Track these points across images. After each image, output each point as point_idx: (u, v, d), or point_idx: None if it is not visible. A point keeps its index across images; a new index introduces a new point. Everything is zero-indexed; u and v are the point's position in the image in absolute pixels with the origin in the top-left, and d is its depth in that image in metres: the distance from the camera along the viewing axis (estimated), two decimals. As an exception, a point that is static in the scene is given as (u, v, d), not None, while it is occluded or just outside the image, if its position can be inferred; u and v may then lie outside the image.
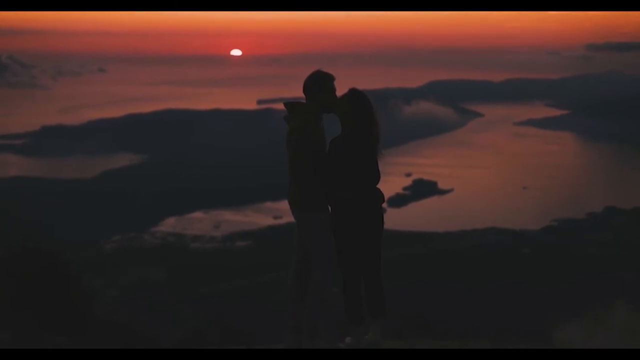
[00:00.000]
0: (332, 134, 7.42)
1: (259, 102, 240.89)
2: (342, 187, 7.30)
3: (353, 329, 7.61)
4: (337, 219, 7.38)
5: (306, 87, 7.46)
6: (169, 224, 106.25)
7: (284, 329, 7.69)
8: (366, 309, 7.56)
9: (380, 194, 7.45)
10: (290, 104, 7.46)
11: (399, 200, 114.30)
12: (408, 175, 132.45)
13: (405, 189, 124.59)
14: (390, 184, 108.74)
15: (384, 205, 7.55)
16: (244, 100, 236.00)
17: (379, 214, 7.49)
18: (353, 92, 7.50)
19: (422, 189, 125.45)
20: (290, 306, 7.66)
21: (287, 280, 7.79)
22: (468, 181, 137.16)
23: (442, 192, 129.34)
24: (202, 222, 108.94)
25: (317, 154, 7.26)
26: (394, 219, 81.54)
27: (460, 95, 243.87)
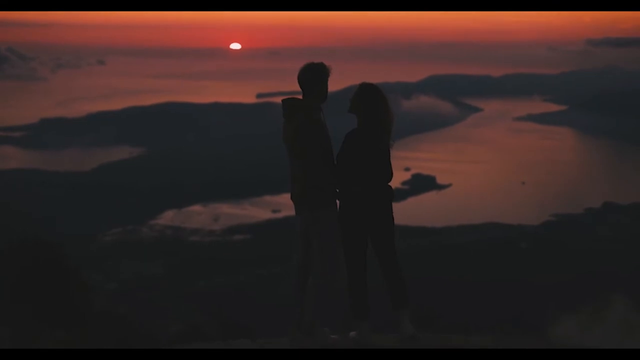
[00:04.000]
0: (332, 131, 7.41)
1: (258, 95, 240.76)
2: (352, 181, 7.32)
3: (357, 324, 7.64)
4: (345, 213, 7.41)
5: (305, 81, 7.41)
6: (168, 217, 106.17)
7: (283, 324, 7.69)
8: (389, 302, 7.62)
9: (389, 191, 7.49)
10: (290, 101, 7.43)
11: (397, 195, 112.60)
12: (407, 169, 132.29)
13: (403, 183, 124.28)
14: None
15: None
16: (243, 94, 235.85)
17: (388, 210, 7.53)
18: (362, 87, 7.51)
19: (421, 184, 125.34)
20: (295, 303, 7.64)
21: (292, 277, 7.78)
22: (467, 176, 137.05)
23: (441, 186, 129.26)
24: (200, 216, 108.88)
25: (324, 148, 7.25)
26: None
27: (459, 90, 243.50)
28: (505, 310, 46.56)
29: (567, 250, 70.42)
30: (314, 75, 7.37)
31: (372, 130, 7.38)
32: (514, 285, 57.58)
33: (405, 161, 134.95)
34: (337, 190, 7.44)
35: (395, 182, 7.70)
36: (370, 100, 7.44)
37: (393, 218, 7.63)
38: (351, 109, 7.50)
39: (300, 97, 7.46)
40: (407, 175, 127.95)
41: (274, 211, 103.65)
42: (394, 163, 7.76)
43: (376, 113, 7.43)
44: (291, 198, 7.59)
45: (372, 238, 7.55)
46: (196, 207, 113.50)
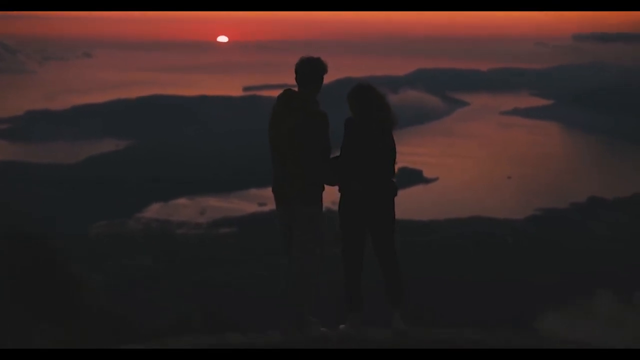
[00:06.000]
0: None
1: (245, 88, 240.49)
2: (355, 176, 7.31)
3: (349, 317, 7.65)
4: (346, 207, 7.41)
5: (303, 74, 7.35)
6: (154, 210, 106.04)
7: (277, 318, 7.66)
8: (386, 298, 7.65)
9: (393, 187, 7.48)
10: (291, 93, 7.37)
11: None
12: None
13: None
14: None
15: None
16: (230, 87, 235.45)
17: (390, 206, 7.53)
18: (352, 91, 7.52)
19: (407, 178, 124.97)
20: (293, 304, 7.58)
21: (286, 274, 7.70)
22: (453, 170, 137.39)
23: (427, 180, 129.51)
24: (187, 209, 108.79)
25: (323, 143, 7.22)
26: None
27: (446, 84, 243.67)
28: (489, 305, 46.74)
29: (552, 245, 70.45)
30: (312, 70, 7.33)
31: (372, 128, 7.38)
32: (497, 280, 57.57)
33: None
34: (339, 184, 7.43)
35: (383, 176, 7.69)
36: (363, 103, 7.46)
37: (394, 215, 7.64)
38: (353, 115, 7.52)
39: (296, 89, 7.43)
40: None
41: (260, 204, 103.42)
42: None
43: (372, 115, 7.44)
44: (277, 190, 7.54)
45: (372, 234, 7.55)
46: (182, 200, 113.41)
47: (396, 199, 7.67)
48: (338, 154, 7.45)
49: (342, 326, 7.71)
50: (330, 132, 7.34)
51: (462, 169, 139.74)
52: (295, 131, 7.18)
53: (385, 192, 7.47)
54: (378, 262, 7.67)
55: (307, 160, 7.20)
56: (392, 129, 7.56)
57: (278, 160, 7.42)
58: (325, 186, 7.45)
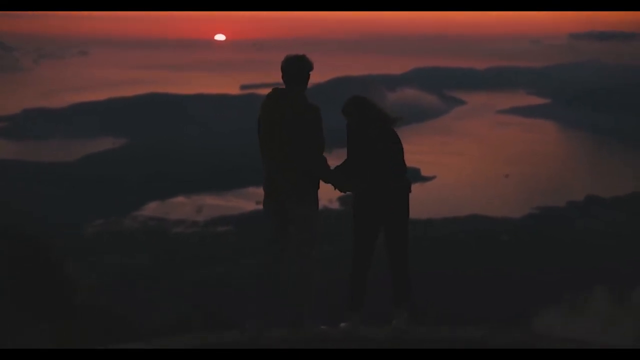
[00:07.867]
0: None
1: (242, 87, 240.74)
2: (368, 173, 7.32)
3: (350, 315, 7.65)
4: (360, 204, 7.41)
5: (291, 73, 7.33)
6: (151, 209, 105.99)
7: (275, 318, 7.65)
8: (392, 297, 7.66)
9: (407, 183, 7.50)
10: (281, 91, 7.36)
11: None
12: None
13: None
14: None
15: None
16: (228, 85, 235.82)
17: (403, 202, 7.54)
18: (347, 102, 7.53)
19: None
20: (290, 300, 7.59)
21: (268, 277, 7.68)
22: (451, 168, 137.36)
23: (425, 179, 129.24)
24: (184, 207, 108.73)
25: (317, 137, 7.21)
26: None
27: (443, 83, 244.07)
28: (487, 303, 46.74)
29: (549, 244, 70.41)
30: (298, 68, 7.32)
31: (370, 134, 7.38)
32: (495, 278, 57.57)
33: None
34: (353, 181, 7.44)
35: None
36: (363, 108, 7.48)
37: (409, 211, 7.66)
38: (353, 125, 7.53)
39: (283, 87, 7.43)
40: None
41: (258, 202, 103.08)
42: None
43: (372, 118, 7.45)
44: (268, 185, 7.50)
45: (386, 231, 7.56)
46: (179, 199, 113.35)
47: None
48: (342, 152, 7.48)
49: (342, 324, 7.71)
50: (324, 126, 7.35)
51: (459, 167, 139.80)
52: (283, 129, 7.19)
53: (398, 188, 7.49)
54: (388, 259, 7.69)
55: (298, 156, 7.19)
56: (395, 126, 7.57)
57: (268, 158, 7.43)
58: (321, 185, 7.46)
